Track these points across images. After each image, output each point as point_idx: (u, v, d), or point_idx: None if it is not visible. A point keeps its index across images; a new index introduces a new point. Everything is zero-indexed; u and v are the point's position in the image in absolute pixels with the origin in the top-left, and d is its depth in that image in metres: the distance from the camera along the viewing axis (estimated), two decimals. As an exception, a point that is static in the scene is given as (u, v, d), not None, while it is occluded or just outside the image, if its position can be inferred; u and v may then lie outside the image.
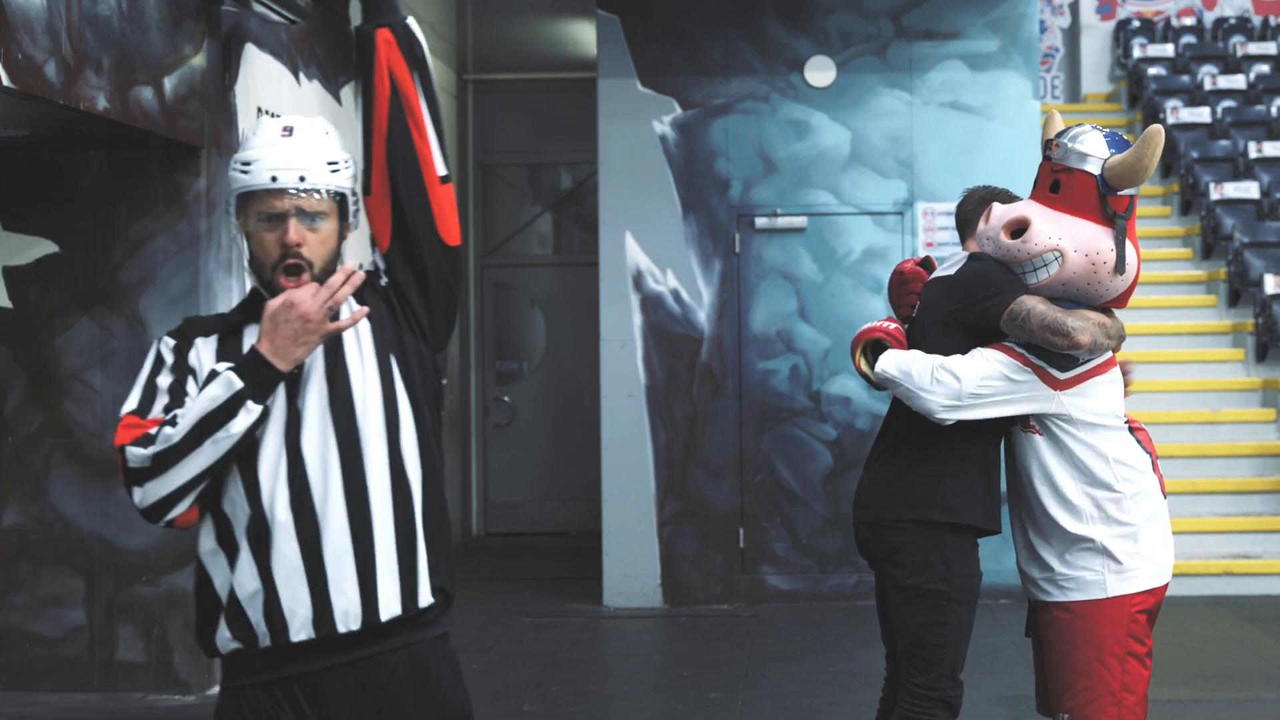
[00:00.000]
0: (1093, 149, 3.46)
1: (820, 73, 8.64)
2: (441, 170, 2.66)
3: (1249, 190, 11.50)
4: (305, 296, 2.49)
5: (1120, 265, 3.43)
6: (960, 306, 3.73)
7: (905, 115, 8.62)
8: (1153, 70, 13.95)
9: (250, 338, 2.59)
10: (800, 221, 8.59)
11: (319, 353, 2.59)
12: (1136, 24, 15.62)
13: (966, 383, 3.48)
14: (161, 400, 2.57)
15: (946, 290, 3.81)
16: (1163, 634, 7.63)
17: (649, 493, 8.57)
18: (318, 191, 2.56)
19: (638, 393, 8.59)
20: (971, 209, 4.10)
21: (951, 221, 8.52)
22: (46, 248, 6.65)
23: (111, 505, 6.57)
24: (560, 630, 7.93)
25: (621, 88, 8.69)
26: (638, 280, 8.63)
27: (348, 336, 2.61)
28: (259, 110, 7.13)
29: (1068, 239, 3.43)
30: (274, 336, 2.50)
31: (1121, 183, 3.43)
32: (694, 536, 8.57)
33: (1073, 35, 16.19)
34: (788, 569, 8.56)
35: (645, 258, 8.60)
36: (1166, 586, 3.57)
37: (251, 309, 2.63)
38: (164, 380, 2.59)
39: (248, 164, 2.57)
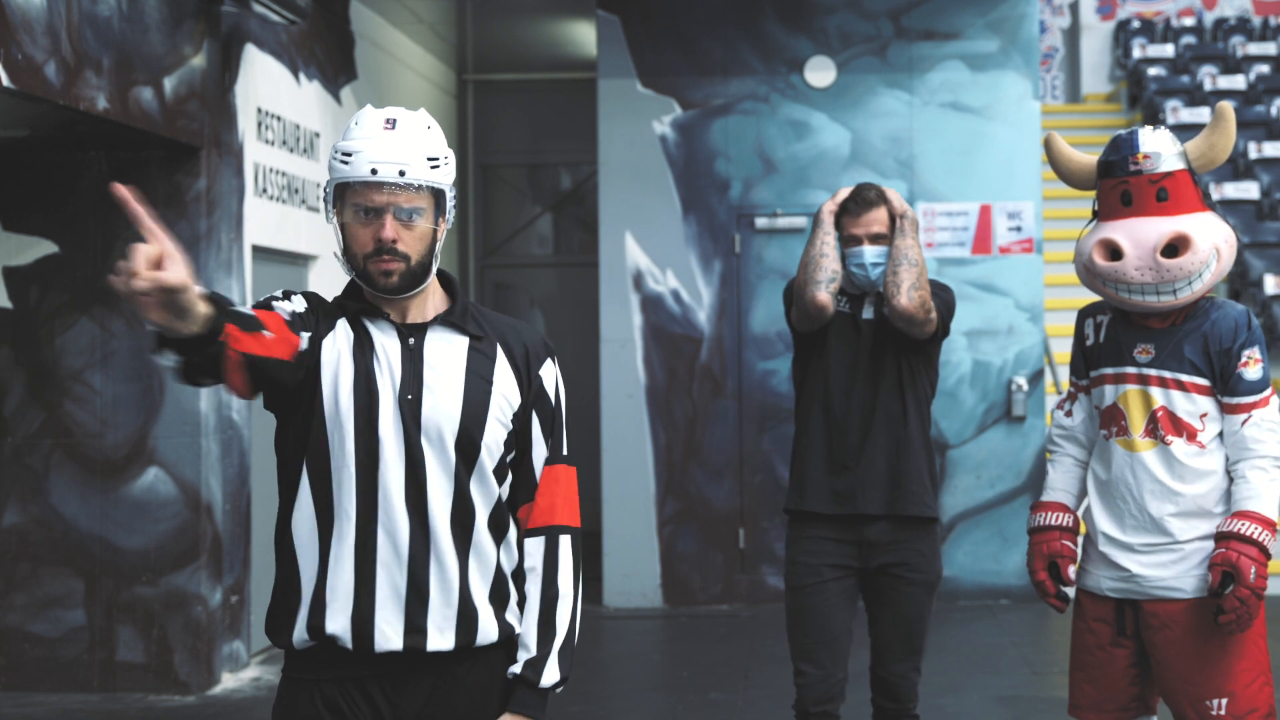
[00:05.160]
0: (1171, 146, 3.60)
1: (820, 73, 8.64)
2: None
3: (1249, 190, 11.49)
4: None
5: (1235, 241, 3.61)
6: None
7: (905, 115, 8.61)
8: (1153, 70, 13.95)
9: (373, 329, 2.56)
10: (800, 222, 8.58)
11: (442, 374, 2.55)
12: (1136, 24, 15.62)
13: None
14: (290, 306, 2.54)
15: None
16: (1163, 634, 7.66)
17: (649, 493, 8.57)
18: (417, 187, 2.49)
19: (637, 393, 8.59)
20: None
21: (953, 222, 8.52)
22: (46, 248, 6.65)
23: (111, 505, 6.57)
24: (560, 630, 7.93)
25: (621, 88, 8.69)
26: (638, 280, 8.63)
27: (460, 369, 2.56)
28: (259, 110, 7.13)
29: (1215, 236, 3.55)
30: None
31: (1208, 166, 3.60)
32: (694, 536, 8.57)
33: (1073, 35, 16.19)
34: (788, 569, 8.55)
35: (645, 258, 8.60)
36: None
37: (361, 299, 2.59)
38: (297, 305, 2.57)
39: (349, 155, 2.50)
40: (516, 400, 2.60)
